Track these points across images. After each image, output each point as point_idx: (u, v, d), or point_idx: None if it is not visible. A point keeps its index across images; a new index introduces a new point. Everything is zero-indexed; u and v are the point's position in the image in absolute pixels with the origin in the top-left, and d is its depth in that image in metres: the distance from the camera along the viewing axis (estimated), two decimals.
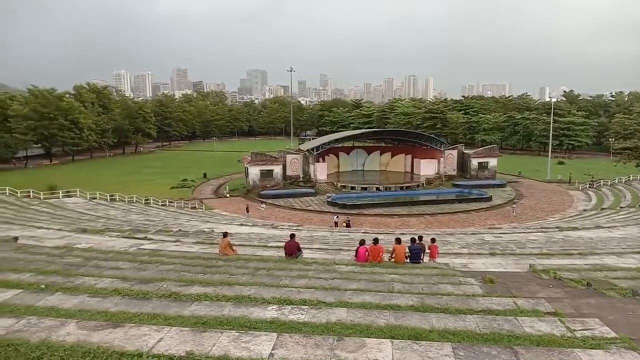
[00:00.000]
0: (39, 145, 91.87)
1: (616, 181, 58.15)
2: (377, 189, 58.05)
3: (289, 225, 34.73)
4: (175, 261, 13.61)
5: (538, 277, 11.84)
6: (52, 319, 6.29)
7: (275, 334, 5.80)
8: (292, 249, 15.29)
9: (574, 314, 7.52)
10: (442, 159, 65.09)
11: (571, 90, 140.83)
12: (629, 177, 58.26)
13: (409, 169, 69.85)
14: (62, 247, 15.88)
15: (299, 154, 62.22)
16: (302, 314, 7.00)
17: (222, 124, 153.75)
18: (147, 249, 17.27)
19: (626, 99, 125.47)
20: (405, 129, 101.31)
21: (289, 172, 60.13)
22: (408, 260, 14.62)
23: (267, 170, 58.31)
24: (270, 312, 7.13)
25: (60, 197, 40.69)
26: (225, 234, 16.33)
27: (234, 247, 16.24)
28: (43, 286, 8.82)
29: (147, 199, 46.23)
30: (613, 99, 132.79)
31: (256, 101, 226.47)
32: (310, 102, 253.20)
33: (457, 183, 61.63)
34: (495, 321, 6.74)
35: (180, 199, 51.20)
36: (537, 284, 10.81)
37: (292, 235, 16.13)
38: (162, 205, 45.71)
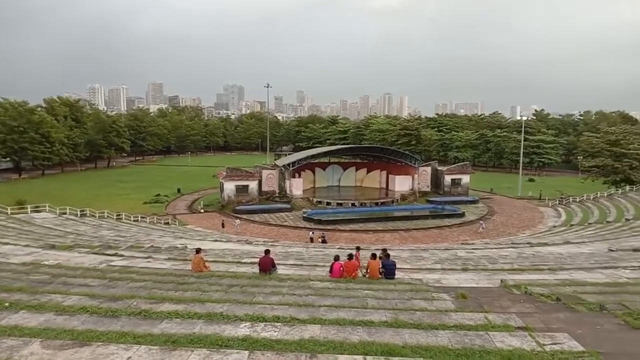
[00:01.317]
0: (8, 159, 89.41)
1: (584, 198, 59.72)
2: (353, 204, 58.28)
3: (263, 241, 34.48)
4: (146, 278, 13.33)
5: (509, 292, 12.01)
6: (15, 338, 6.07)
7: (247, 352, 5.73)
8: (267, 265, 15.14)
9: (543, 329, 7.64)
10: (416, 176, 65.88)
11: (541, 109, 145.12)
12: (597, 194, 59.94)
13: (384, 185, 70.39)
14: (28, 264, 15.40)
15: (275, 169, 62.12)
16: (275, 331, 6.94)
17: (197, 139, 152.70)
18: (117, 265, 16.86)
19: (593, 118, 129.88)
20: (381, 145, 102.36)
21: (264, 188, 59.89)
22: (382, 275, 14.64)
23: (243, 185, 57.98)
24: (243, 330, 7.03)
25: (29, 212, 39.47)
26: (198, 250, 16.09)
27: (207, 264, 16.00)
28: (7, 304, 8.52)
29: (118, 215, 45.27)
30: (581, 118, 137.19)
31: (232, 116, 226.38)
32: (287, 118, 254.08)
33: (430, 199, 62.36)
34: (467, 336, 6.79)
35: (153, 214, 50.32)
36: (508, 299, 10.96)
37: (267, 251, 15.99)
38: (134, 220, 44.81)
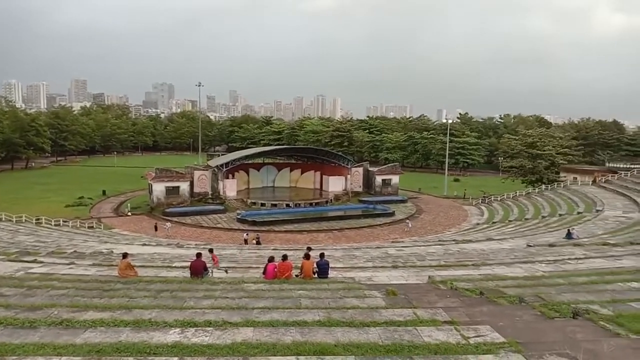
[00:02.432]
0: None
1: (505, 197, 63.43)
2: (287, 205, 58.28)
3: (195, 244, 33.66)
4: (68, 285, 12.59)
5: (436, 288, 12.50)
6: None
7: (176, 359, 5.56)
8: (198, 269, 14.79)
9: (468, 322, 7.98)
10: (349, 176, 67.02)
11: (465, 113, 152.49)
12: (516, 193, 63.88)
13: (318, 186, 71.00)
14: None
15: (207, 170, 60.81)
16: (207, 336, 6.78)
17: (124, 138, 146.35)
18: (36, 273, 15.78)
19: (512, 121, 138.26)
20: (315, 146, 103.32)
21: (196, 189, 58.46)
22: (316, 275, 14.76)
23: (173, 186, 56.22)
24: (172, 336, 6.82)
25: None
26: (125, 255, 15.43)
27: (135, 269, 15.38)
28: None
29: (38, 219, 42.54)
30: (501, 121, 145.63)
31: (162, 115, 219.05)
32: (220, 118, 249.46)
33: (363, 199, 63.73)
34: (396, 332, 6.99)
35: (76, 218, 47.59)
36: (435, 295, 11.40)
37: (199, 255, 15.62)
38: (55, 225, 42.26)
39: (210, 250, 17.32)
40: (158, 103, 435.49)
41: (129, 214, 53.60)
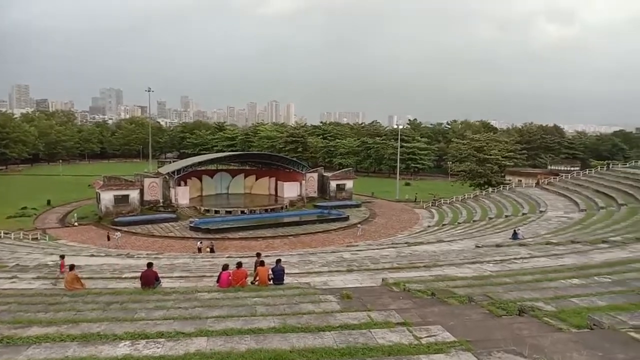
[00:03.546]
0: None
1: (454, 200, 65.33)
2: (242, 212, 57.71)
3: (147, 254, 32.72)
4: (10, 300, 11.98)
5: (390, 290, 12.73)
6: None
7: None
8: (150, 279, 14.42)
9: (420, 323, 8.15)
10: (304, 182, 67.15)
11: (415, 119, 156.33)
12: (465, 195, 65.92)
13: (273, 192, 70.67)
14: None
15: (158, 177, 59.28)
16: (159, 347, 6.63)
17: (70, 146, 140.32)
18: None
19: (460, 126, 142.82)
20: (269, 152, 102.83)
21: (147, 197, 56.87)
22: (272, 282, 14.71)
23: (123, 195, 54.43)
24: (122, 349, 6.62)
25: None
26: (72, 267, 14.88)
27: (83, 281, 14.82)
28: None
29: None
30: (449, 126, 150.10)
31: (110, 121, 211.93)
32: (171, 124, 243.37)
33: (318, 204, 64.00)
34: (351, 335, 7.07)
35: (19, 229, 45.22)
36: (389, 297, 11.62)
37: (150, 264, 15.23)
38: None
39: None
40: (106, 109, 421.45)
41: (76, 224, 51.48)
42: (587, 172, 60.91)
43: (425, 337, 7.06)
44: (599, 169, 60.51)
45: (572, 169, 77.82)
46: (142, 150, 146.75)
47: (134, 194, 55.26)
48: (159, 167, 75.73)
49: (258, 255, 18.26)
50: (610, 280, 12.51)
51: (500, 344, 6.61)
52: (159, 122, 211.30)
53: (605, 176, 54.39)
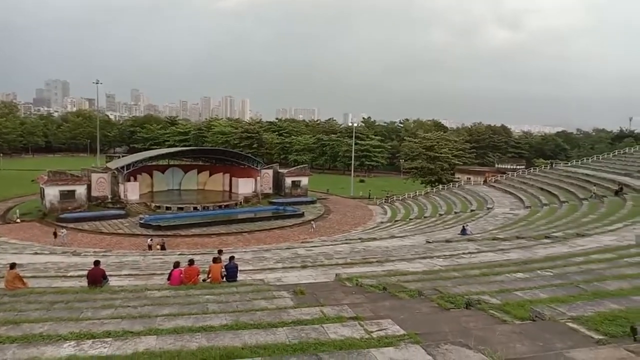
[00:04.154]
0: None
1: (406, 196, 66.72)
2: (195, 208, 56.67)
3: (94, 252, 31.57)
4: None
5: (343, 285, 12.86)
6: None
7: None
8: (97, 278, 13.94)
9: (372, 317, 8.28)
10: (259, 178, 66.65)
11: (369, 117, 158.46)
12: (416, 192, 67.48)
13: (227, 188, 69.77)
14: None
15: (106, 172, 57.29)
16: (105, 347, 6.42)
17: (12, 139, 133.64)
18: None
19: (412, 125, 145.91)
20: (223, 148, 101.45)
21: (95, 193, 54.85)
22: (224, 279, 14.54)
23: (69, 190, 52.20)
24: (67, 349, 6.36)
25: None
26: (12, 265, 14.12)
27: (25, 280, 14.13)
28: None
29: None
30: (402, 125, 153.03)
31: (56, 114, 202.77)
32: (121, 117, 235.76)
33: (273, 201, 63.72)
34: (303, 331, 7.10)
35: None
36: (342, 292, 11.73)
37: (97, 262, 14.72)
38: None
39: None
40: (51, 101, 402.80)
41: (18, 220, 48.99)
42: (532, 170, 63.67)
43: (376, 330, 7.17)
44: (543, 167, 63.50)
45: (518, 167, 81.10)
46: (90, 145, 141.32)
47: (80, 190, 53.12)
48: (107, 162, 72.97)
49: (219, 252, 17.97)
50: (551, 274, 13.06)
51: (448, 336, 6.81)
52: (107, 116, 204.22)
53: (549, 175, 57.02)
